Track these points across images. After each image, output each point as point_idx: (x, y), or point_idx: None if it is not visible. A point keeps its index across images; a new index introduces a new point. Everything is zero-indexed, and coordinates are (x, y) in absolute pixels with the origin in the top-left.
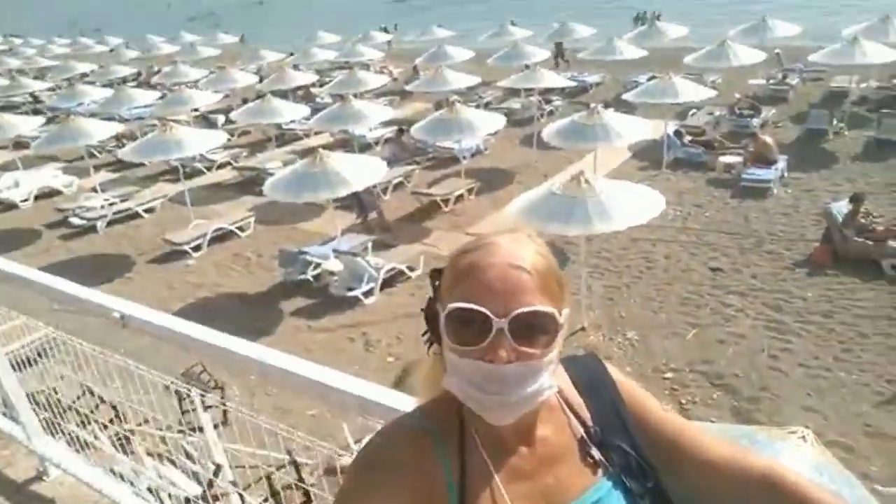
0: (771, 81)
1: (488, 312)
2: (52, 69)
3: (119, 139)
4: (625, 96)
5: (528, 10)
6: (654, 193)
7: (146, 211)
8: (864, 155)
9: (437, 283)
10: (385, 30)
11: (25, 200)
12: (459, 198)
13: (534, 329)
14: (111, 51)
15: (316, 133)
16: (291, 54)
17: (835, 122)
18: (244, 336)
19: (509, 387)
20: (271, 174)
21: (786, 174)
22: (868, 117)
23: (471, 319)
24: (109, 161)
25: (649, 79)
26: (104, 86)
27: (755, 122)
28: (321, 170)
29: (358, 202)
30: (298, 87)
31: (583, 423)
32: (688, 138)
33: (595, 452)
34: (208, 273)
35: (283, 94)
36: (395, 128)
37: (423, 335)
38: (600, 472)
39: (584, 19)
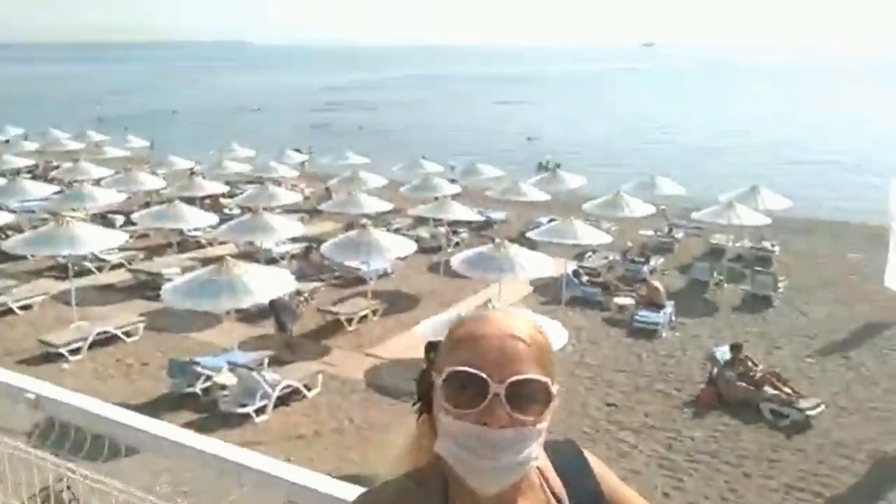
0: (658, 233)
1: (486, 377)
2: None
3: (3, 231)
4: (528, 234)
5: (442, 149)
6: (556, 325)
7: (22, 308)
8: (742, 307)
9: (431, 355)
10: (300, 150)
11: None
12: (364, 318)
13: (528, 397)
14: (6, 141)
15: (220, 242)
16: (200, 163)
17: (714, 274)
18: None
19: (501, 451)
20: (169, 280)
21: (674, 318)
22: (743, 273)
23: (468, 383)
24: None
25: (550, 220)
26: None
27: (645, 268)
28: (226, 278)
29: (276, 315)
30: (207, 196)
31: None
32: (585, 278)
33: None
34: (84, 378)
35: (190, 201)
36: (304, 244)
37: (414, 405)
38: None
39: (493, 162)
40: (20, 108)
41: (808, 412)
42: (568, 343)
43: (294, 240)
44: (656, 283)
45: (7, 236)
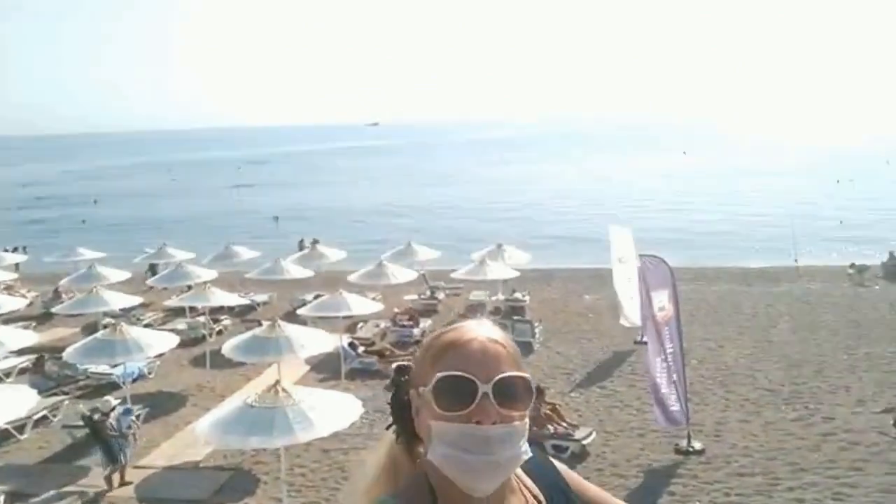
0: (422, 297)
1: (474, 378)
2: None
3: None
4: (299, 311)
5: (191, 233)
6: (348, 398)
7: None
8: None
9: (404, 377)
10: (16, 250)
11: None
12: None
13: (513, 394)
14: None
15: None
16: None
17: None
18: None
19: (495, 447)
20: None
21: None
22: (504, 323)
23: (457, 386)
24: None
25: (315, 296)
26: None
27: (416, 331)
28: None
29: (106, 449)
30: None
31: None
32: (361, 349)
33: None
34: None
35: None
36: (34, 356)
37: (388, 428)
38: None
39: (249, 244)
40: None
41: (584, 441)
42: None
43: (20, 352)
44: None
45: None
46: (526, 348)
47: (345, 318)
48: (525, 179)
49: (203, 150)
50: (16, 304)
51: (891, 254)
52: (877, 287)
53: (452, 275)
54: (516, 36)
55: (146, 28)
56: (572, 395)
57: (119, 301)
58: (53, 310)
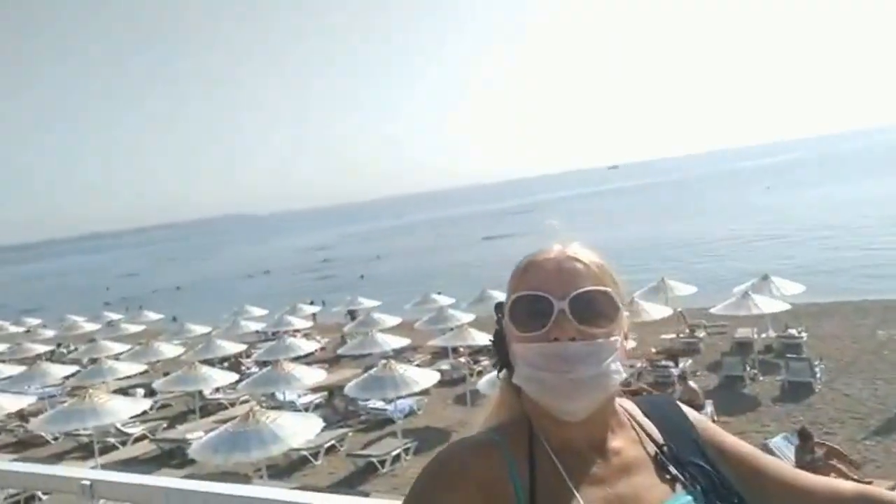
0: (681, 336)
1: (548, 296)
2: None
3: (24, 418)
4: None
5: (451, 285)
6: None
7: (45, 493)
8: (783, 397)
9: (500, 315)
10: (312, 303)
11: None
12: (397, 458)
13: (593, 310)
14: (27, 331)
15: (242, 402)
16: (217, 328)
17: (747, 368)
18: None
19: (576, 364)
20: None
21: (715, 417)
22: (777, 363)
23: (533, 305)
24: (8, 441)
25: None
26: (15, 363)
27: (674, 371)
28: (254, 428)
29: None
30: (225, 358)
31: (655, 442)
32: None
33: (672, 468)
34: None
35: (210, 363)
36: (325, 393)
37: (494, 365)
38: (678, 487)
39: (502, 288)
40: (36, 301)
41: None
42: None
43: (315, 389)
44: (692, 384)
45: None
46: (806, 389)
47: None
48: (787, 206)
49: (461, 206)
50: (311, 347)
51: None
52: None
53: (712, 310)
54: (745, 59)
55: (434, 94)
56: (866, 442)
57: (390, 342)
58: (339, 351)
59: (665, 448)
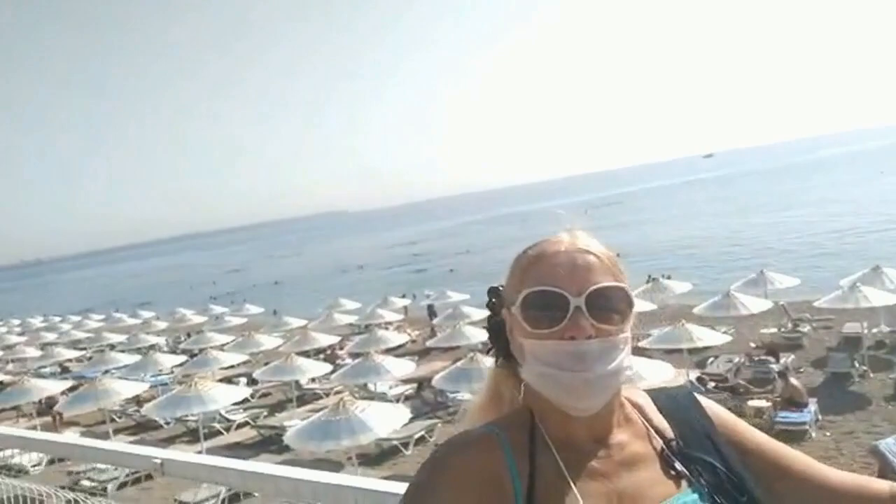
0: (783, 330)
1: (564, 292)
2: (84, 341)
3: (140, 403)
4: (641, 343)
5: None
6: None
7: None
8: None
9: (493, 299)
10: (403, 296)
11: (36, 465)
12: None
13: (608, 306)
14: (143, 322)
15: (336, 392)
16: (312, 321)
17: (856, 364)
18: None
19: (592, 363)
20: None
21: (820, 417)
22: (888, 360)
23: (547, 302)
24: (128, 425)
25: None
26: (133, 353)
27: (775, 367)
28: (344, 417)
29: None
30: (320, 350)
31: (662, 437)
32: (711, 384)
33: (678, 465)
34: None
35: (305, 355)
36: (415, 384)
37: (488, 351)
38: (684, 483)
39: None
40: (148, 295)
41: None
42: None
43: (405, 381)
44: (794, 381)
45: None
46: None
47: (690, 351)
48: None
49: (544, 201)
50: (402, 338)
51: None
52: None
53: (815, 303)
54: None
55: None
56: None
57: (478, 335)
58: (428, 343)
59: (673, 443)
